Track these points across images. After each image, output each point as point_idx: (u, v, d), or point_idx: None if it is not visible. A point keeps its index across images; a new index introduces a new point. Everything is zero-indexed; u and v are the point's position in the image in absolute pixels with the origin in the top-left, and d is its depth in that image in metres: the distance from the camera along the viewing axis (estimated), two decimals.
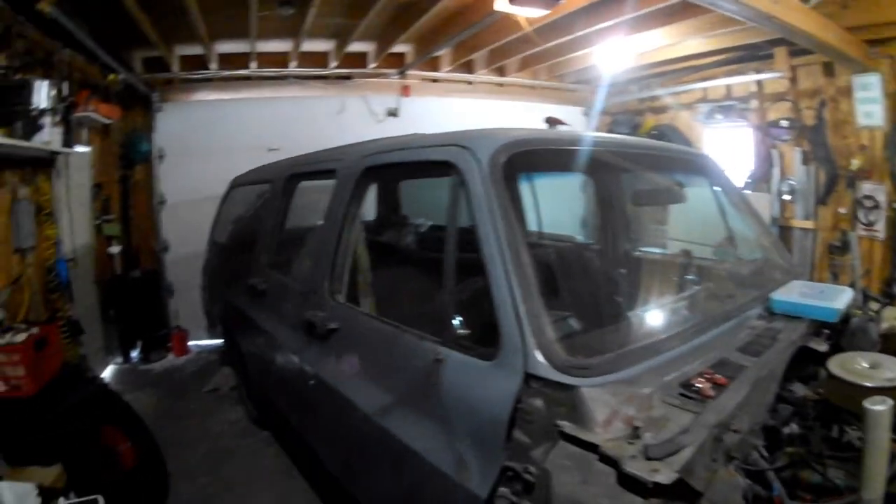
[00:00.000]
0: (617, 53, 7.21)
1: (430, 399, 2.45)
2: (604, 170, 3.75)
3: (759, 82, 7.48)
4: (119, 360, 7.62)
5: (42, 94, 4.91)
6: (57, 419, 4.10)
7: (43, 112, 4.93)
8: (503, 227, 2.34)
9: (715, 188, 3.74)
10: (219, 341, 6.79)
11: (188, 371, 7.44)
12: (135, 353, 7.70)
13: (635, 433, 1.83)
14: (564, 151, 3.00)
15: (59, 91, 5.34)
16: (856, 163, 6.44)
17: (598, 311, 2.92)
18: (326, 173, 3.91)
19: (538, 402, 2.01)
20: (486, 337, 2.30)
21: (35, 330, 4.52)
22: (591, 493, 1.74)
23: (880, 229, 6.25)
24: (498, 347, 2.20)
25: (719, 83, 7.84)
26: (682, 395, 2.09)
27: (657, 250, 4.34)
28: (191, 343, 8.17)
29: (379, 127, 8.17)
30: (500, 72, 8.87)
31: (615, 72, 8.16)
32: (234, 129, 7.94)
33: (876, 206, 6.22)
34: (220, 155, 7.76)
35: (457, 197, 2.61)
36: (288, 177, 4.66)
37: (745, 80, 7.55)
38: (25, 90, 4.77)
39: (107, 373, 7.20)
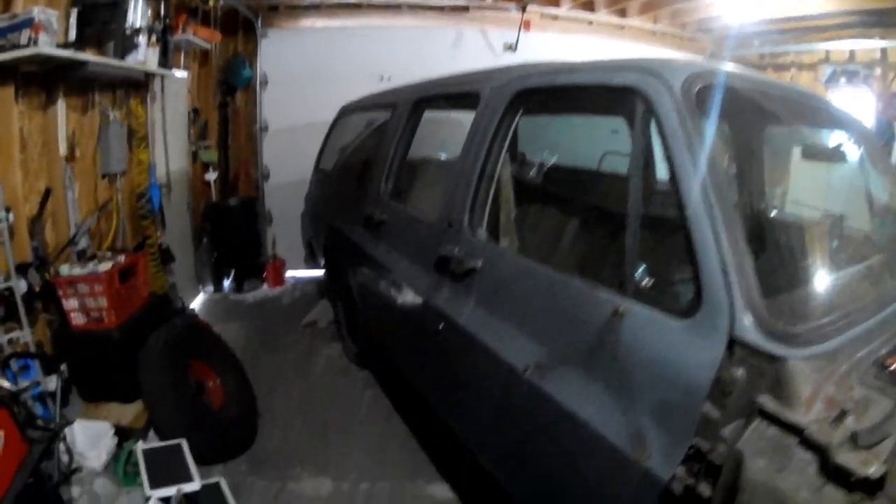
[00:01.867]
0: (742, 4, 6.79)
1: (603, 358, 2.11)
2: (774, 119, 3.22)
3: (883, 50, 7.02)
4: (210, 289, 7.53)
5: (137, 12, 4.65)
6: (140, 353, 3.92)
7: (138, 31, 4.67)
8: (707, 165, 1.96)
9: (862, 151, 3.25)
10: (318, 273, 6.63)
11: (283, 303, 7.29)
12: (227, 283, 7.59)
13: (840, 417, 1.59)
14: (754, 92, 2.57)
15: (156, 11, 5.11)
16: None
17: (792, 274, 2.47)
18: (465, 98, 3.50)
19: (739, 373, 1.72)
20: (678, 291, 2.05)
21: (121, 259, 4.35)
22: (790, 483, 1.52)
23: None
24: (697, 304, 1.85)
25: (843, 46, 7.39)
26: (878, 376, 1.79)
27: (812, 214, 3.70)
28: (287, 274, 8.03)
29: (496, 61, 7.53)
30: (621, 14, 8.27)
31: (738, 23, 7.63)
32: (341, 58, 7.65)
33: None
34: (325, 83, 7.51)
35: (643, 130, 2.21)
36: (415, 102, 4.26)
37: (869, 46, 7.08)
38: (119, 8, 4.49)
39: (197, 302, 7.14)
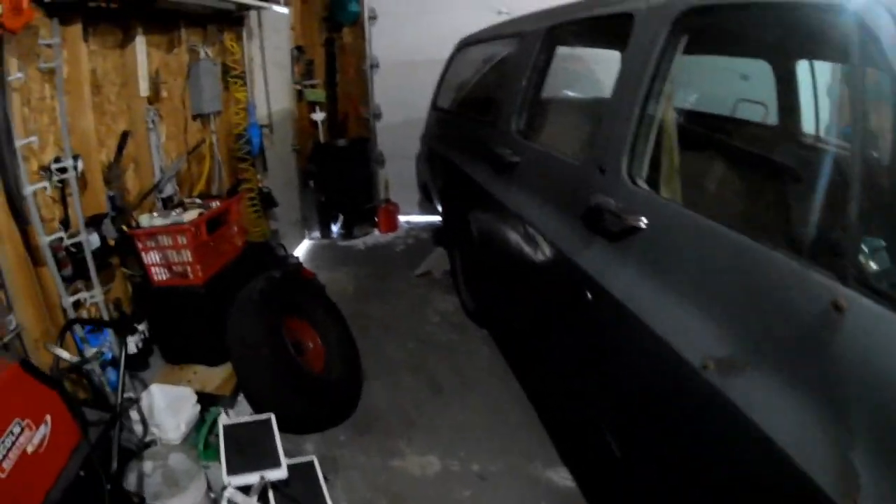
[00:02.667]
0: None
1: (810, 366, 1.56)
2: None
3: None
4: (317, 234, 7.27)
5: None
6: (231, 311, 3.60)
7: None
8: None
9: None
10: (433, 218, 6.32)
11: (396, 250, 6.97)
12: (336, 228, 7.31)
13: None
14: None
15: None
16: None
17: None
18: (613, 22, 2.97)
19: None
20: None
21: (212, 205, 4.02)
22: None
23: None
24: None
25: None
26: None
27: None
28: (400, 218, 7.69)
29: None
30: None
31: None
32: None
33: None
34: (438, 17, 7.04)
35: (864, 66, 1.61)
36: (548, 30, 3.75)
37: None
38: None
39: (302, 249, 6.89)
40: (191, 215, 3.72)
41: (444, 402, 3.91)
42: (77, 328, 3.09)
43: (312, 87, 7.01)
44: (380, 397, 3.95)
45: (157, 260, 3.63)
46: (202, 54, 4.57)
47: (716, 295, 1.93)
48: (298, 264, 5.28)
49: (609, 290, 2.36)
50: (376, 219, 7.53)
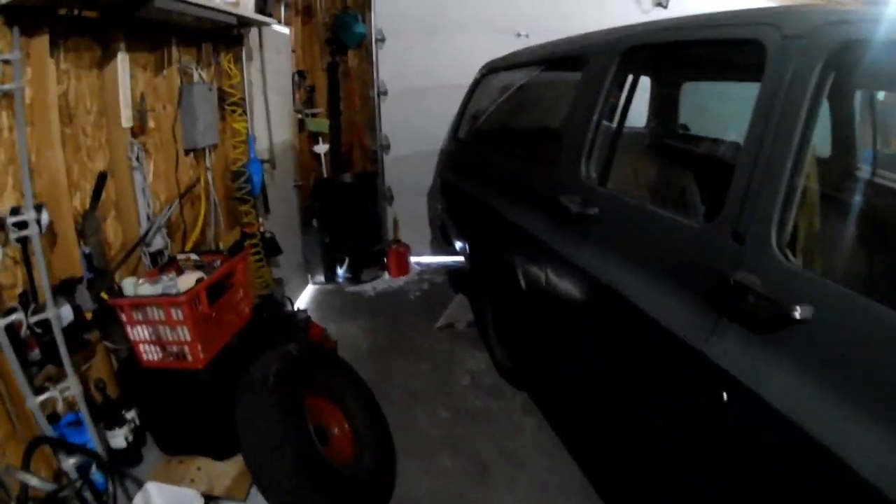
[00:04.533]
0: None
1: None
2: None
3: None
4: (322, 279, 6.55)
5: None
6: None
7: None
8: None
9: None
10: (450, 259, 5.78)
11: (410, 297, 6.26)
12: (342, 272, 6.59)
13: None
14: None
15: None
16: None
17: None
18: (731, 46, 2.59)
19: None
20: None
21: (213, 264, 3.30)
22: None
23: None
24: None
25: None
26: None
27: None
28: (411, 259, 6.94)
29: (644, 19, 6.54)
30: None
31: None
32: (471, 11, 6.62)
33: None
34: (451, 38, 6.54)
35: None
36: (625, 52, 3.16)
37: None
38: None
39: (306, 296, 6.19)
40: (187, 281, 2.98)
41: (491, 487, 3.28)
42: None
43: (314, 115, 6.41)
44: (417, 484, 3.29)
45: (147, 336, 2.90)
46: (196, 77, 3.85)
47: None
48: (309, 321, 4.54)
49: (760, 393, 1.90)
50: (385, 261, 6.82)
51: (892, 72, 2.50)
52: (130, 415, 2.96)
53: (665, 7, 6.78)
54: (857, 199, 2.88)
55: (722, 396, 2.04)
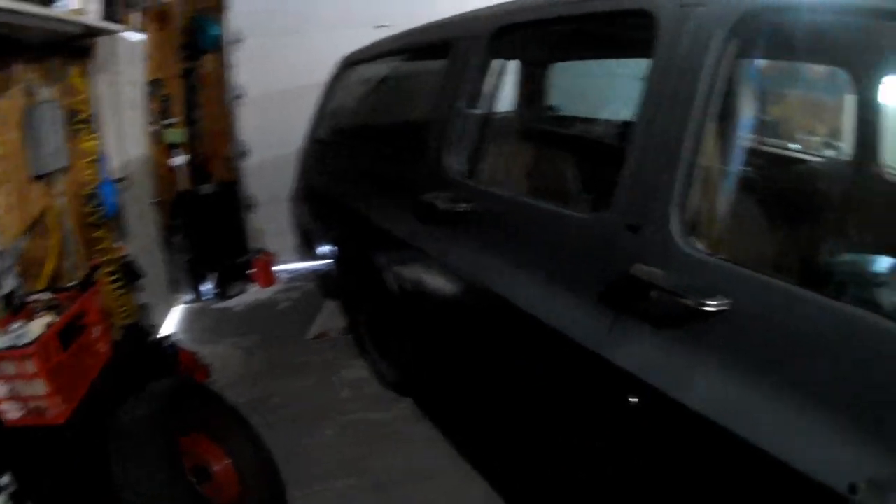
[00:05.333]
0: None
1: None
2: None
3: None
4: (189, 297, 6.25)
5: None
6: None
7: None
8: None
9: None
10: (316, 264, 5.41)
11: (279, 308, 6.10)
12: (208, 288, 6.33)
13: None
14: None
15: None
16: None
17: None
18: (617, 21, 2.50)
19: None
20: None
21: (67, 304, 3.02)
22: None
23: None
24: None
25: None
26: None
27: None
28: (278, 268, 6.80)
29: None
30: None
31: None
32: (332, 4, 6.50)
33: None
34: (313, 35, 6.40)
35: None
36: (494, 34, 3.00)
37: None
38: None
39: (174, 317, 5.88)
40: (36, 328, 2.72)
41: (393, 497, 3.24)
42: None
43: (170, 126, 6.09)
44: None
45: (4, 393, 2.62)
46: (41, 96, 3.54)
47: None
48: (176, 348, 4.29)
49: (673, 395, 1.80)
50: (252, 273, 6.65)
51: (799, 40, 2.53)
52: (4, 481, 2.69)
53: None
54: (758, 173, 2.90)
55: (629, 400, 1.96)
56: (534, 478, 2.68)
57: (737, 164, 2.15)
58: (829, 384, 1.57)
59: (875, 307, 1.69)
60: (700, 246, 1.87)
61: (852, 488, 1.40)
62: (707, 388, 1.74)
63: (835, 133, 3.46)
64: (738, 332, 1.73)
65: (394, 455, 3.56)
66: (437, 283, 3.07)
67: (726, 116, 1.97)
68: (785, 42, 2.33)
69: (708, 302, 1.72)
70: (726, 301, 1.71)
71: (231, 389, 3.68)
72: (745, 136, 2.24)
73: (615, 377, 1.94)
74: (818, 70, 3.42)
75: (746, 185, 2.30)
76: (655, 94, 2.05)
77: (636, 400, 1.89)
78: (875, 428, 1.45)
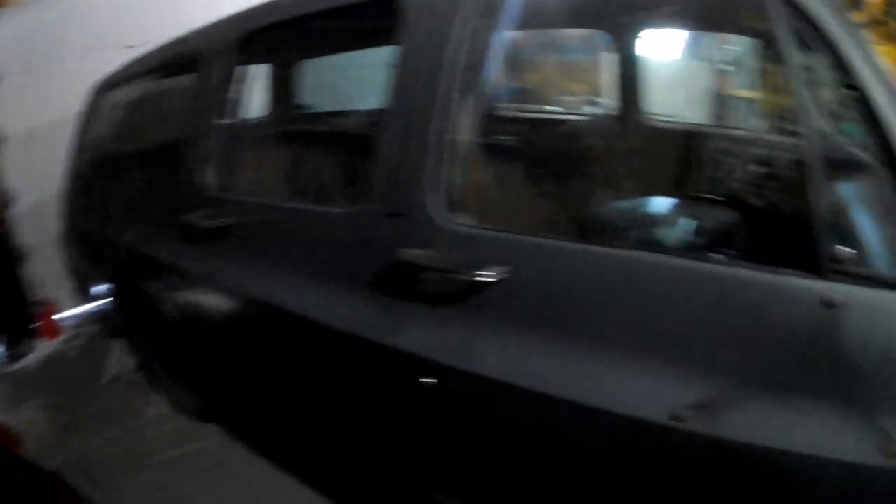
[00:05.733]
0: None
1: (816, 368, 1.55)
2: None
3: None
4: None
5: None
6: None
7: None
8: None
9: None
10: (95, 306, 5.22)
11: (70, 357, 5.75)
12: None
13: None
14: None
15: None
16: None
17: None
18: (365, 11, 2.49)
19: None
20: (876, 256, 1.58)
21: None
22: None
23: None
24: None
25: None
26: None
27: None
28: (62, 316, 6.27)
29: None
30: None
31: None
32: (78, 26, 6.19)
33: None
34: (74, 65, 5.97)
35: None
36: (242, 40, 2.99)
37: None
38: None
39: None
40: None
41: None
42: None
43: None
44: None
45: None
46: None
47: (653, 333, 1.73)
48: None
49: (475, 371, 1.90)
50: (38, 326, 6.17)
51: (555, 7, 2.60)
52: None
53: None
54: (523, 140, 2.99)
55: (424, 383, 2.00)
56: (354, 477, 2.71)
57: (495, 136, 2.23)
58: (626, 327, 1.74)
59: (654, 246, 1.80)
60: (466, 221, 1.97)
61: (676, 417, 1.58)
62: (502, 355, 1.85)
63: (601, 90, 3.67)
64: (521, 296, 1.83)
65: (218, 484, 3.46)
66: (212, 302, 3.07)
67: (475, 90, 2.02)
68: (541, 11, 2.44)
69: (481, 273, 1.80)
70: (503, 269, 1.79)
71: (46, 455, 3.55)
72: (502, 107, 2.32)
73: (406, 363, 2.01)
74: (578, 34, 3.61)
75: (510, 154, 2.42)
76: (402, 78, 2.11)
77: (432, 381, 1.96)
78: (682, 357, 1.65)
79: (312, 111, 4.35)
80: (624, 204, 2.47)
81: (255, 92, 3.22)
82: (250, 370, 3.17)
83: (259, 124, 3.99)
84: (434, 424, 2.14)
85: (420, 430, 2.19)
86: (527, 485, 2.02)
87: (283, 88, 4.30)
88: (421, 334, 2.01)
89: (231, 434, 3.87)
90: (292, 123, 4.15)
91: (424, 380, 1.99)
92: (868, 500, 1.55)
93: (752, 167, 2.61)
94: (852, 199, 1.78)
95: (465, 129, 2.04)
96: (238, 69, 3.08)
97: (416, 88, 2.06)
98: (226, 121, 3.07)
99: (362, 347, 2.17)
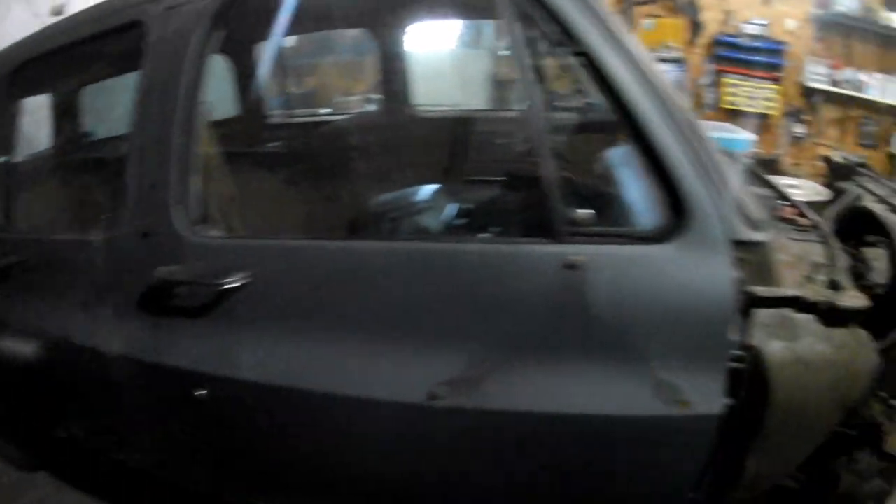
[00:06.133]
0: None
1: (571, 329, 1.61)
2: None
3: None
4: None
5: None
6: None
7: None
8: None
9: None
10: None
11: None
12: None
13: (810, 275, 1.65)
14: None
15: None
16: None
17: None
18: (121, 37, 2.35)
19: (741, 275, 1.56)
20: (629, 215, 1.73)
21: None
22: (808, 346, 1.51)
23: None
24: (681, 219, 1.54)
25: None
26: (790, 231, 1.93)
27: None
28: None
29: None
30: None
31: None
32: None
33: None
34: None
35: None
36: (12, 72, 2.82)
37: None
38: None
39: None
40: None
41: None
42: None
43: None
44: None
45: None
46: None
47: (394, 320, 1.76)
48: None
49: (234, 375, 1.90)
50: None
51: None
52: None
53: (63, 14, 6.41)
54: (277, 146, 3.02)
55: (199, 396, 1.99)
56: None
57: (251, 145, 2.22)
58: (376, 315, 1.76)
59: (419, 234, 2.03)
60: (212, 233, 1.96)
61: (432, 396, 1.61)
62: (256, 357, 1.85)
63: (371, 88, 3.66)
64: (267, 298, 1.85)
65: None
66: (10, 346, 2.89)
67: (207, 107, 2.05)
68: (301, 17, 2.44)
69: (225, 281, 1.80)
70: (244, 274, 1.79)
71: None
72: (266, 115, 2.30)
73: (178, 378, 1.98)
74: (346, 35, 3.58)
75: (264, 161, 2.38)
76: (143, 101, 2.10)
77: (203, 392, 1.93)
78: (437, 337, 1.67)
79: (82, 141, 4.19)
80: (386, 196, 2.50)
81: (31, 125, 3.09)
82: (57, 410, 2.98)
83: (40, 158, 3.82)
84: (217, 433, 2.11)
85: (208, 439, 2.16)
86: (312, 478, 2.08)
87: (65, 118, 4.13)
88: (186, 348, 2.00)
89: (63, 478, 3.65)
90: (73, 152, 3.99)
91: (198, 392, 1.96)
92: (658, 451, 1.64)
93: (508, 145, 2.70)
94: (599, 161, 1.87)
95: (205, 144, 2.06)
96: (7, 104, 2.89)
97: (154, 111, 2.07)
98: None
99: (142, 369, 2.11)
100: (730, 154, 2.60)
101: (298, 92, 3.73)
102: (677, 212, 1.54)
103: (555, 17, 1.59)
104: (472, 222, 2.27)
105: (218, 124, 2.95)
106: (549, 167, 1.61)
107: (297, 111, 3.55)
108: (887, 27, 7.26)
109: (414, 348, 1.69)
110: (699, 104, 7.52)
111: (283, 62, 3.61)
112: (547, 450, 1.68)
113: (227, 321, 1.88)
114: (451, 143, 2.95)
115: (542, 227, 1.61)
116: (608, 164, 1.85)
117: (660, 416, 1.56)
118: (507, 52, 6.24)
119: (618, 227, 1.67)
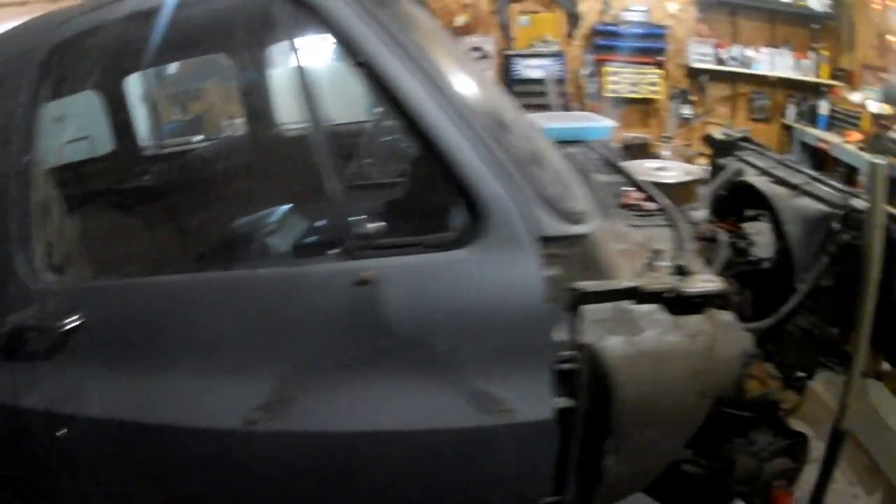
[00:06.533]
0: None
1: (370, 347, 1.60)
2: None
3: None
4: None
5: None
6: None
7: None
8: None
9: None
10: None
11: None
12: None
13: (651, 262, 1.61)
14: None
15: None
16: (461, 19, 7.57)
17: None
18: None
19: (551, 272, 1.55)
20: (428, 222, 1.75)
21: None
22: (655, 338, 1.50)
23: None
24: (478, 222, 1.54)
25: None
26: (632, 217, 1.94)
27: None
28: None
29: None
30: None
31: None
32: None
33: (485, 57, 7.60)
34: None
35: None
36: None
37: None
38: None
39: None
40: None
41: None
42: None
43: None
44: None
45: None
46: None
47: (206, 347, 1.75)
48: None
49: (88, 414, 1.86)
50: None
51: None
52: None
53: None
54: (143, 179, 2.99)
55: (59, 433, 1.96)
56: None
57: (116, 181, 2.19)
58: (193, 346, 1.75)
59: (265, 258, 1.84)
60: (54, 276, 1.94)
61: (249, 421, 1.60)
62: (101, 394, 1.83)
63: (235, 113, 3.57)
64: (100, 336, 1.83)
65: None
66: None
67: (31, 149, 1.98)
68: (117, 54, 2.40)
69: (62, 323, 1.79)
70: (77, 315, 1.79)
71: None
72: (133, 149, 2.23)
73: (41, 420, 1.95)
74: (202, 62, 3.49)
75: (127, 197, 2.32)
76: None
77: (64, 431, 1.90)
78: (249, 363, 1.67)
79: None
80: (245, 221, 2.49)
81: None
82: None
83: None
84: (82, 471, 2.08)
85: (73, 478, 2.15)
86: None
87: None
88: (43, 390, 1.93)
89: None
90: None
91: (59, 433, 1.98)
92: (492, 461, 1.62)
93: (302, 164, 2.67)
94: (394, 172, 1.93)
95: (46, 190, 2.01)
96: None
97: None
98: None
99: (10, 414, 2.13)
100: (583, 145, 2.61)
101: (186, 118, 3.66)
102: (474, 215, 1.53)
103: (332, 27, 1.58)
104: (279, 245, 2.25)
105: (86, 163, 2.94)
106: (334, 184, 1.60)
107: (174, 140, 3.49)
108: (773, 1, 7.38)
109: (230, 375, 1.68)
110: (580, 95, 7.55)
111: (162, 91, 3.54)
112: (371, 468, 1.67)
113: (72, 361, 1.88)
114: (270, 166, 2.94)
115: (334, 244, 1.61)
116: (402, 173, 1.90)
117: (483, 426, 1.53)
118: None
119: (413, 236, 1.65)
